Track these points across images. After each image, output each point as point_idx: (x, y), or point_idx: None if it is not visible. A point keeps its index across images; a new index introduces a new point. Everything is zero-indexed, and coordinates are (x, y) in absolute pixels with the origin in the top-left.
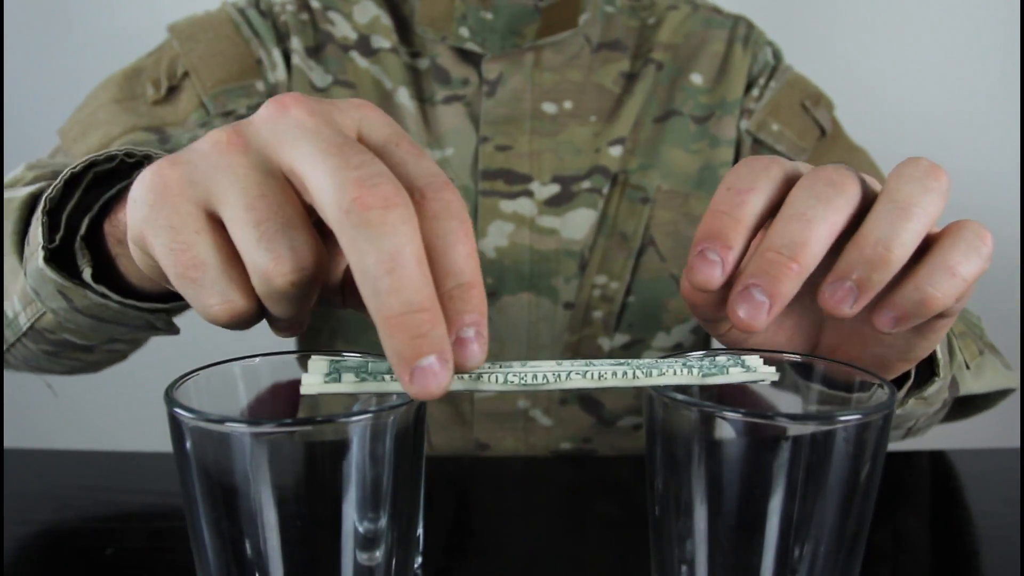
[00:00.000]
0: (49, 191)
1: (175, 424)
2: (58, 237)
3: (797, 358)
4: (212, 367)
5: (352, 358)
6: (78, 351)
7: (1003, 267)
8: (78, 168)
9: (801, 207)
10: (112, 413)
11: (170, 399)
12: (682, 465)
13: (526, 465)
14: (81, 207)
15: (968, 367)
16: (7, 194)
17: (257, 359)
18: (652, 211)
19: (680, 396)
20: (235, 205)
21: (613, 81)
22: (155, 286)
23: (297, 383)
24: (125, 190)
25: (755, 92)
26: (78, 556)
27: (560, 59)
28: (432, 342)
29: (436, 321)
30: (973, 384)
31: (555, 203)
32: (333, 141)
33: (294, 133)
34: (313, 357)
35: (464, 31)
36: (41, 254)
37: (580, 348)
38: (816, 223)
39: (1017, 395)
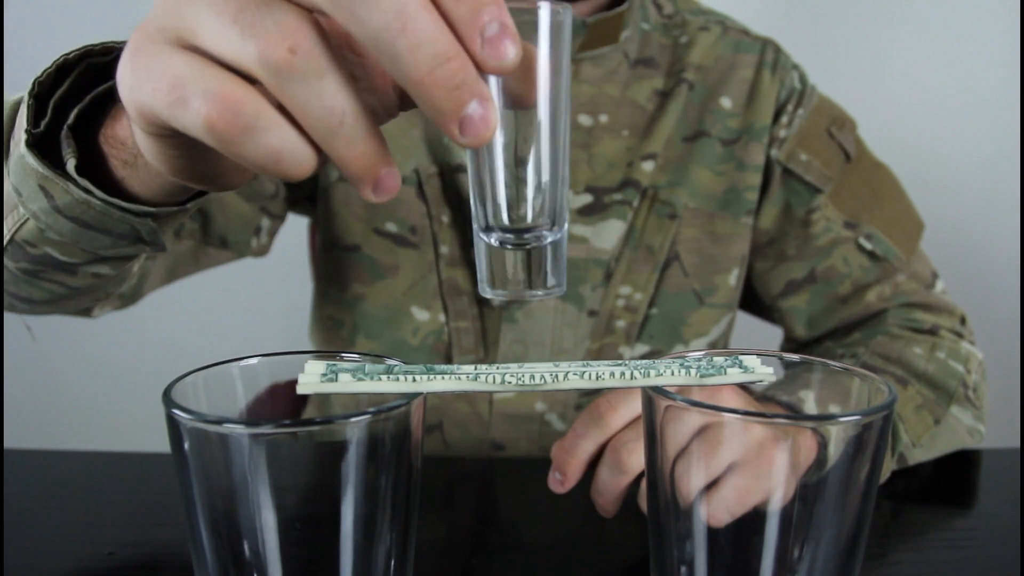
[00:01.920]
0: (39, 75)
1: (173, 425)
2: (43, 123)
3: (796, 358)
4: (211, 367)
5: (349, 359)
6: (60, 272)
7: (1003, 267)
8: (72, 56)
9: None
10: (112, 413)
11: (168, 400)
12: (682, 466)
13: (543, 463)
14: (72, 98)
15: (915, 445)
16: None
17: (255, 359)
18: (678, 227)
19: (679, 396)
20: (207, 21)
21: (647, 98)
22: (146, 188)
23: (295, 384)
24: None
25: (784, 119)
26: (78, 556)
27: (599, 73)
28: (469, 88)
29: (465, 65)
30: (923, 454)
31: (587, 213)
32: None
33: None
34: (309, 358)
35: None
36: (24, 138)
37: (601, 356)
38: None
39: (1017, 395)
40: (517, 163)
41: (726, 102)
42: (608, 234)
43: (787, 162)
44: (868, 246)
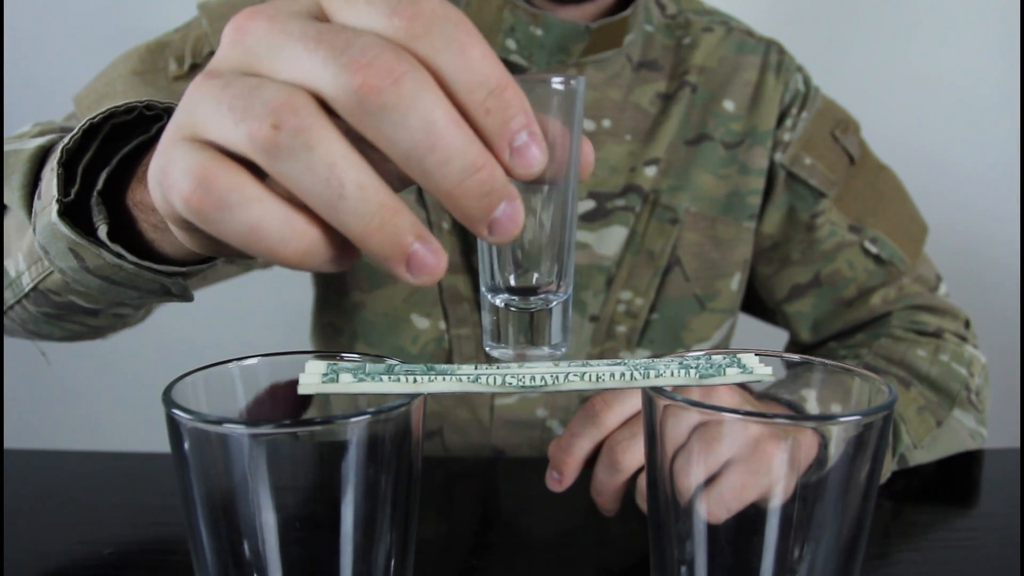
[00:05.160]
0: (66, 142)
1: (173, 425)
2: (74, 191)
3: (796, 358)
4: (211, 367)
5: (350, 359)
6: (83, 314)
7: (1003, 267)
8: (97, 119)
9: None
10: (112, 413)
11: (168, 400)
12: (681, 465)
13: (543, 463)
14: (98, 161)
15: (917, 446)
16: (12, 146)
17: (255, 359)
18: (680, 232)
19: (679, 396)
20: (208, 112)
21: (650, 102)
22: (177, 249)
23: (295, 384)
24: (145, 145)
25: (788, 122)
26: (78, 556)
27: (602, 77)
28: (498, 193)
29: (494, 171)
30: (923, 456)
31: (590, 219)
32: (306, 34)
33: (265, 45)
34: (310, 358)
35: (511, 43)
36: (55, 208)
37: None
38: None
39: (1017, 395)
40: (526, 230)
41: (729, 105)
42: (611, 240)
43: (791, 166)
44: (873, 250)
